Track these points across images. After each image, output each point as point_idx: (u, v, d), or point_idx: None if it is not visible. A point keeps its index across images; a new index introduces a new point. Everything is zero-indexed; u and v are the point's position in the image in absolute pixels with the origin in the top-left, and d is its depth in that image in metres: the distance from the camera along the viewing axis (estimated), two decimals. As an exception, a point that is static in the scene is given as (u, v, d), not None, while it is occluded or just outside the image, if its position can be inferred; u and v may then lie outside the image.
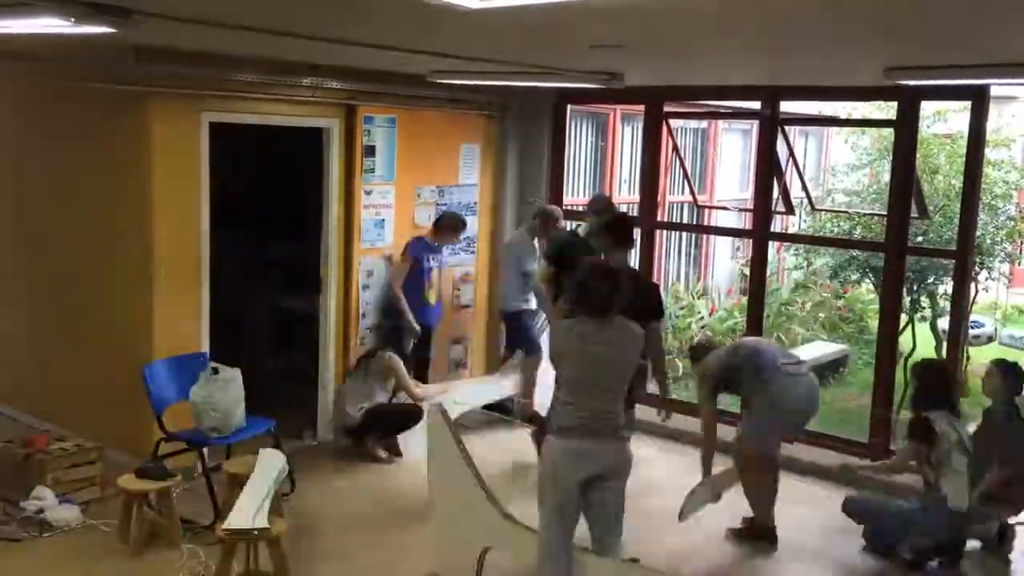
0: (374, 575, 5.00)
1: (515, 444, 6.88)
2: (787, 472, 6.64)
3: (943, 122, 10.09)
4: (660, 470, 6.45)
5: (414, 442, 6.31)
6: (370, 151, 6.83)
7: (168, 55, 5.62)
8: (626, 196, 10.69)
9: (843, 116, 10.76)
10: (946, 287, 8.90)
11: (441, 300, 7.28)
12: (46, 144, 6.54)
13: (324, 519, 5.61)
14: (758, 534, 5.49)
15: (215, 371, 5.54)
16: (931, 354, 9.52)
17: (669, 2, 3.40)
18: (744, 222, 8.89)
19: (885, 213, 6.96)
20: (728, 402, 5.98)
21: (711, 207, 12.07)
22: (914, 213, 6.88)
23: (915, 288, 9.35)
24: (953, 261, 6.76)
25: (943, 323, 8.47)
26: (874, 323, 9.51)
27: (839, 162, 13.12)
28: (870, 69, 5.15)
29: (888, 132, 8.15)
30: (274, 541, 4.57)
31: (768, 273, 8.69)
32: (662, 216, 9.69)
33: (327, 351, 6.85)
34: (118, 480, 5.13)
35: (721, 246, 13.06)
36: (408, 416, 6.57)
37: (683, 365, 8.92)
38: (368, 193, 6.86)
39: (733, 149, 13.32)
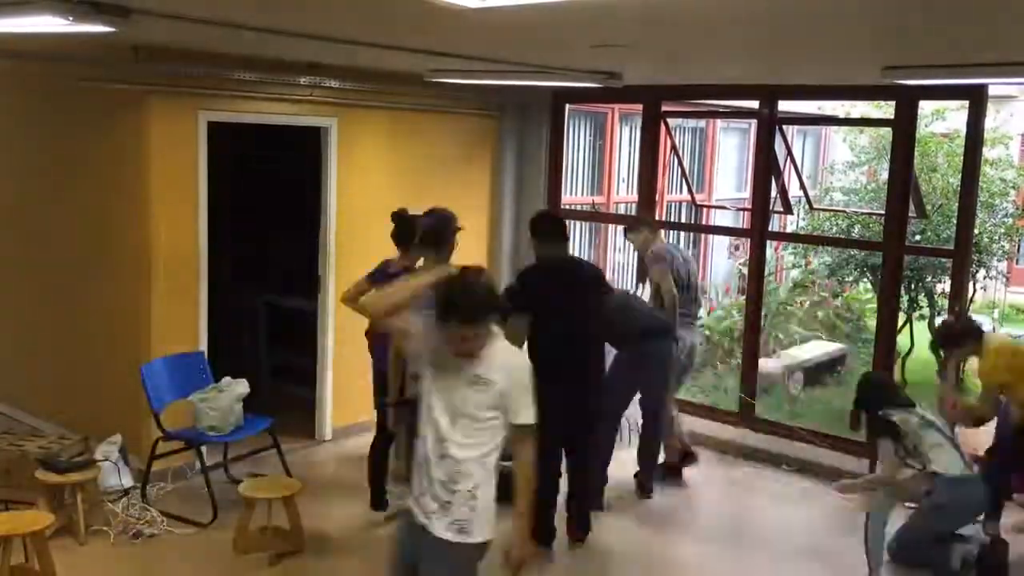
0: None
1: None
2: (786, 471, 6.67)
3: (941, 120, 10.08)
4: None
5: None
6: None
7: (166, 54, 5.61)
8: (625, 195, 10.69)
9: (841, 115, 10.76)
10: (944, 286, 8.89)
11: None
12: (44, 142, 6.54)
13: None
14: None
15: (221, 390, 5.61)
16: (929, 354, 9.53)
17: (668, 3, 3.40)
18: (742, 221, 8.89)
19: (883, 212, 6.96)
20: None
21: (709, 206, 12.08)
22: (912, 212, 6.89)
23: (913, 287, 9.34)
24: (951, 260, 6.76)
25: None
26: (872, 322, 9.50)
27: (837, 161, 13.12)
28: (868, 68, 5.15)
29: (886, 131, 8.15)
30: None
31: (766, 272, 8.69)
32: (661, 215, 9.69)
33: (325, 350, 6.85)
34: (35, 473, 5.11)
35: (719, 245, 13.06)
36: None
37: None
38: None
39: (731, 148, 13.32)
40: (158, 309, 5.91)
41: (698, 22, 3.90)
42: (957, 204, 6.59)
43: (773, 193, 7.26)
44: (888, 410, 5.17)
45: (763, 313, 7.82)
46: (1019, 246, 10.95)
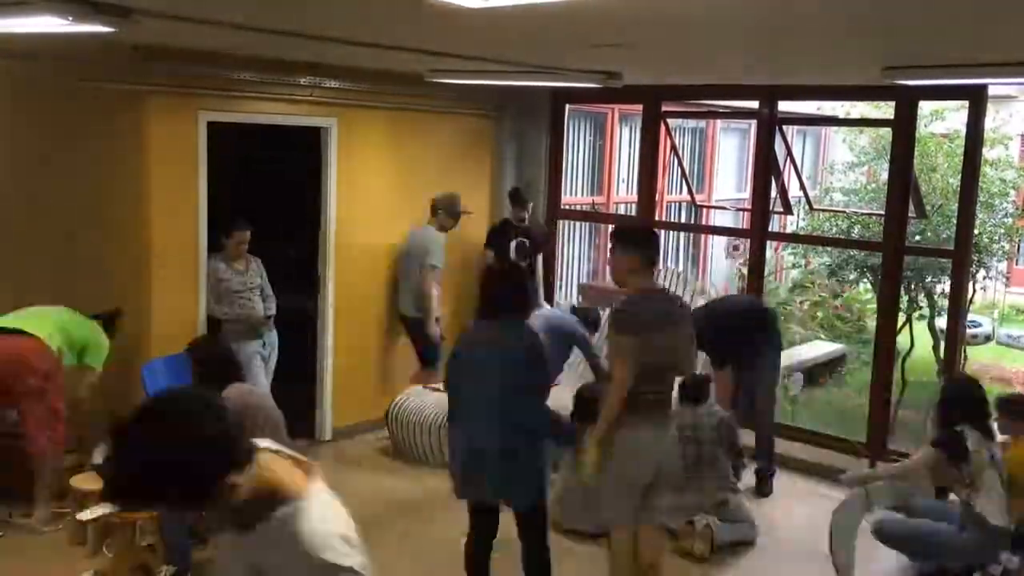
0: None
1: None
2: (789, 471, 6.67)
3: (941, 120, 10.10)
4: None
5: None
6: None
7: (166, 53, 5.61)
8: (624, 195, 10.70)
9: (841, 115, 10.77)
10: (944, 286, 8.91)
11: None
12: (43, 143, 6.52)
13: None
14: None
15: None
16: (929, 354, 9.54)
17: (669, 4, 3.40)
18: (742, 222, 8.90)
19: (883, 212, 6.96)
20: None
21: (709, 207, 12.09)
22: (912, 212, 6.89)
23: (913, 287, 9.37)
24: (951, 260, 6.76)
25: (941, 322, 8.49)
26: (872, 322, 9.53)
27: (837, 161, 13.14)
28: (868, 68, 5.15)
29: (886, 131, 8.15)
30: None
31: (766, 272, 8.70)
32: (660, 216, 9.70)
33: (325, 350, 6.85)
34: (70, 479, 5.01)
35: (719, 246, 13.08)
36: None
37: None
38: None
39: (731, 148, 13.33)
40: (158, 308, 5.91)
41: (698, 22, 3.90)
42: (957, 204, 6.59)
43: (773, 193, 7.26)
44: (967, 430, 4.69)
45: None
46: (1019, 246, 10.97)
